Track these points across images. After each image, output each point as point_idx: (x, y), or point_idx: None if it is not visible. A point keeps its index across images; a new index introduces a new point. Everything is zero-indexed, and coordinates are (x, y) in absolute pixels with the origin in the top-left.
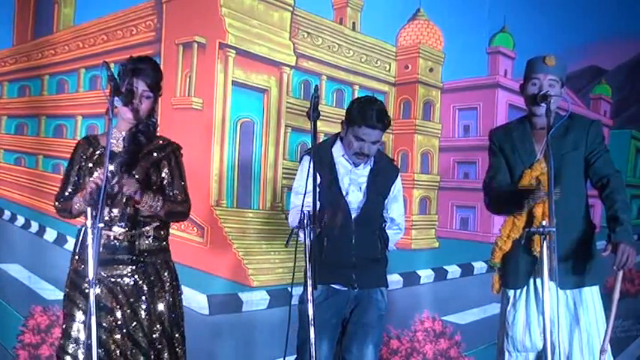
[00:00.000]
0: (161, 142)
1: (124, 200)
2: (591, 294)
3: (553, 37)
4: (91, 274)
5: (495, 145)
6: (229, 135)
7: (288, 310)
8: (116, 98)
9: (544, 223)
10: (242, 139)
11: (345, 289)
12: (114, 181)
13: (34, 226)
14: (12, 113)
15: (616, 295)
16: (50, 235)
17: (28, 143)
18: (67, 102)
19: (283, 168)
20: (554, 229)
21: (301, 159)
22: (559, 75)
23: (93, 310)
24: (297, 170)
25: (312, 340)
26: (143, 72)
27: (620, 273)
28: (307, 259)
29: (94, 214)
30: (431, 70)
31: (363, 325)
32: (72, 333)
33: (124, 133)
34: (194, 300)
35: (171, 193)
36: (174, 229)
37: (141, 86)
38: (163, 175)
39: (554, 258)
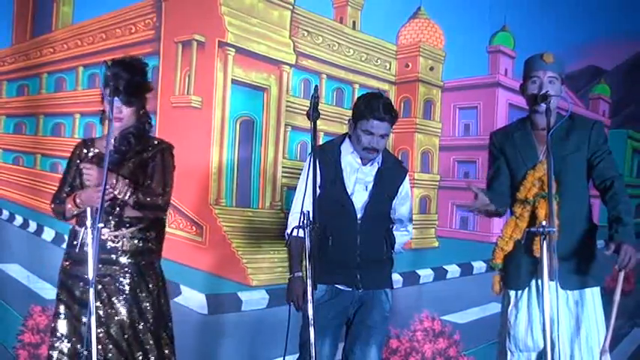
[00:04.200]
0: (154, 142)
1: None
2: (592, 295)
3: (553, 37)
4: (90, 274)
5: (496, 148)
6: (229, 133)
7: (288, 310)
8: (116, 98)
9: (544, 223)
10: (241, 137)
11: (350, 289)
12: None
13: (33, 226)
14: (11, 113)
15: (617, 296)
16: (48, 234)
17: (27, 142)
18: (65, 100)
19: (283, 167)
20: (554, 230)
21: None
22: (558, 71)
23: (93, 309)
24: (297, 169)
25: (312, 340)
26: (115, 81)
27: (622, 273)
28: (307, 259)
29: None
30: (431, 68)
31: (366, 326)
32: (59, 329)
33: (116, 136)
34: (193, 299)
35: (146, 184)
36: (173, 228)
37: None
38: (148, 172)
39: (555, 258)
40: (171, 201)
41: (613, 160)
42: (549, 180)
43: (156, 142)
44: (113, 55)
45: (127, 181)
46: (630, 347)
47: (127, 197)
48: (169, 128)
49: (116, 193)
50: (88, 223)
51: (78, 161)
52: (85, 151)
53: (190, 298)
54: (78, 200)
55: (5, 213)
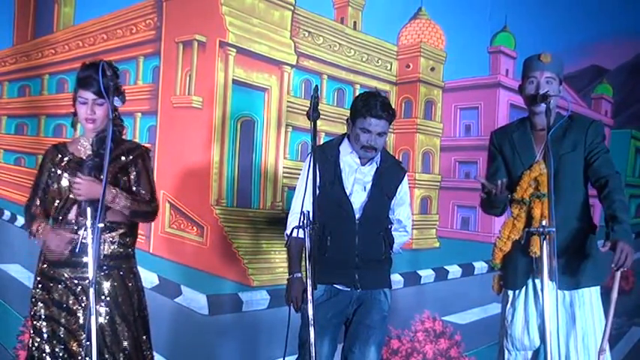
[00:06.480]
0: (130, 145)
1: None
2: (590, 294)
3: (554, 37)
4: (91, 274)
5: (495, 147)
6: (229, 134)
7: (288, 310)
8: (116, 98)
9: (544, 223)
10: (242, 138)
11: (348, 289)
12: (74, 186)
13: None
14: (12, 113)
15: (614, 295)
16: None
17: (28, 143)
18: (67, 101)
19: (284, 167)
20: (554, 230)
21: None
22: (556, 72)
23: (93, 310)
24: (297, 169)
25: (312, 340)
26: (86, 81)
27: (619, 272)
28: (307, 259)
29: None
30: (432, 69)
31: (365, 325)
32: (39, 330)
33: (91, 140)
34: (194, 300)
35: (137, 193)
36: (174, 229)
37: (89, 96)
38: (131, 177)
39: (554, 258)
40: (172, 201)
41: (609, 159)
42: (549, 180)
43: (133, 146)
44: (114, 56)
45: (124, 194)
46: (627, 345)
47: (119, 207)
48: (170, 128)
49: (111, 204)
50: (88, 223)
51: (51, 166)
52: (59, 156)
53: (191, 299)
54: (41, 237)
55: (7, 213)
